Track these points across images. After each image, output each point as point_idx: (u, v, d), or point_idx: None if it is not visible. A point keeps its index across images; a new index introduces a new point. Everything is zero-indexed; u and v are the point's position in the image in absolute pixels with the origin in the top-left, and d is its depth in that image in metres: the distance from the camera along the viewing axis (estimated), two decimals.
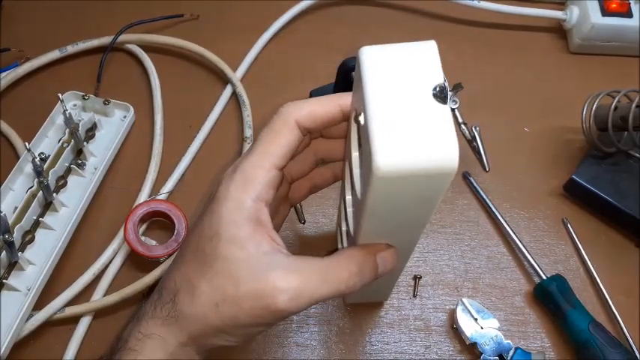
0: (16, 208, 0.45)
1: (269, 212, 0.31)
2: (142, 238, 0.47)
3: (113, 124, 0.52)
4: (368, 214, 0.28)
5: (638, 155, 0.50)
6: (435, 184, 0.25)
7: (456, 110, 0.49)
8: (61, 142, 0.48)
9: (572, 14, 0.59)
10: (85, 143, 0.49)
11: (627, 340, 0.45)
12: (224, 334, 0.30)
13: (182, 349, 0.31)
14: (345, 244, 0.40)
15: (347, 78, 0.49)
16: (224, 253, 0.29)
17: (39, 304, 0.44)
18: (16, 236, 0.43)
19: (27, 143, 0.45)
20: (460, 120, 0.51)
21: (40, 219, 0.45)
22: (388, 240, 0.32)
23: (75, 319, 0.44)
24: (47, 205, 0.46)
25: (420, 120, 0.24)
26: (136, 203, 0.48)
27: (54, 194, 0.46)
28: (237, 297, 0.29)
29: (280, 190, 0.35)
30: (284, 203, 0.38)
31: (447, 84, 0.51)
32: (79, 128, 0.48)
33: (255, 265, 0.29)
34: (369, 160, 0.24)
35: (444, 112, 0.25)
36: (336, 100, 0.31)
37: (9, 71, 0.54)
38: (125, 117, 0.52)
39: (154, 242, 0.47)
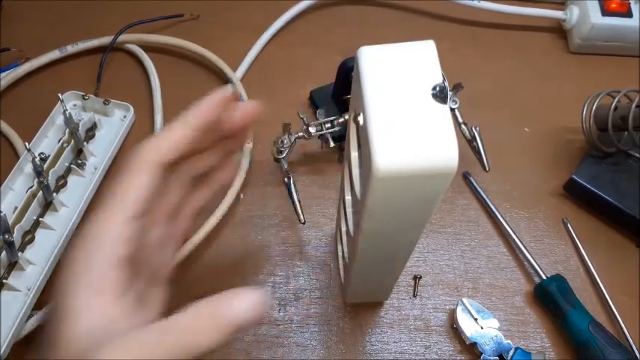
0: (16, 208, 0.45)
1: (123, 271, 0.26)
2: None
3: (113, 124, 0.52)
4: (368, 214, 0.28)
5: (638, 155, 0.50)
6: (434, 184, 0.25)
7: (456, 110, 0.50)
8: (61, 142, 0.48)
9: (572, 14, 0.59)
10: (85, 143, 0.49)
11: (627, 340, 0.45)
12: None
13: None
14: (345, 245, 0.40)
15: (347, 78, 0.49)
16: (60, 333, 0.25)
17: (39, 304, 0.44)
18: (16, 236, 0.43)
19: (27, 143, 0.45)
20: (460, 120, 0.51)
21: (40, 219, 0.45)
22: (388, 241, 0.32)
23: None
24: (47, 205, 0.46)
25: (420, 120, 0.24)
26: None
27: (54, 194, 0.46)
28: None
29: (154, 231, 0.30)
30: (168, 242, 0.33)
31: (446, 84, 0.51)
32: (79, 128, 0.48)
33: (78, 345, 0.24)
34: (369, 161, 0.24)
35: (443, 112, 0.25)
36: (186, 120, 0.29)
37: (9, 71, 0.54)
38: (125, 117, 0.52)
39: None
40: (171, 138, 0.28)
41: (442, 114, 0.25)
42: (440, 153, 0.24)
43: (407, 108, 0.25)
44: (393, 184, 0.25)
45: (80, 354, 0.24)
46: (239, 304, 0.25)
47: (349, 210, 0.34)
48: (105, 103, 0.51)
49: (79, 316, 0.25)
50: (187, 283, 0.42)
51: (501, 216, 0.50)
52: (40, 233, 0.45)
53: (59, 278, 0.26)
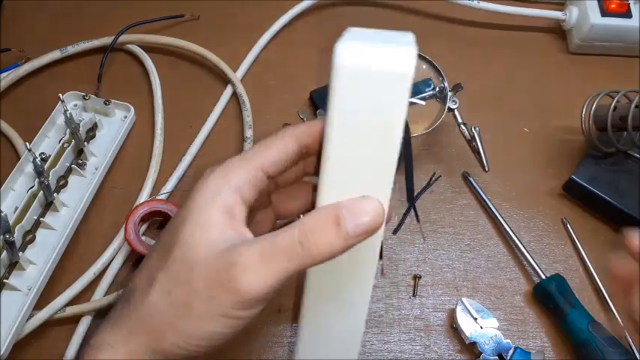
0: (16, 208, 0.45)
1: (246, 212, 0.28)
2: (143, 237, 0.47)
3: (114, 125, 0.52)
4: (331, 134, 0.26)
5: (637, 155, 0.50)
6: (391, 87, 0.25)
7: (455, 110, 0.50)
8: (61, 142, 0.48)
9: (571, 14, 0.59)
10: (85, 143, 0.49)
11: (626, 339, 0.45)
12: (179, 333, 0.26)
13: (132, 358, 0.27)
14: None
15: None
16: (184, 239, 0.27)
17: (40, 304, 0.44)
18: (17, 236, 0.43)
19: (28, 143, 0.45)
20: (460, 120, 0.51)
21: (41, 219, 0.45)
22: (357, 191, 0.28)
23: (76, 319, 0.44)
24: (48, 205, 0.46)
25: (384, 38, 0.25)
26: (137, 203, 0.48)
27: (55, 194, 0.46)
28: (191, 279, 0.26)
29: (265, 200, 0.32)
30: (267, 216, 0.34)
31: (446, 84, 0.51)
32: (80, 128, 0.48)
33: (215, 248, 0.26)
34: (332, 59, 0.24)
35: (407, 37, 0.25)
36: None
37: (10, 71, 0.54)
38: (126, 117, 0.52)
39: (154, 242, 0.47)
40: (313, 125, 0.30)
41: (407, 37, 0.25)
42: (398, 53, 0.24)
43: (374, 36, 0.25)
44: (353, 80, 0.24)
45: (216, 255, 0.26)
46: (360, 207, 0.26)
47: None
48: (105, 104, 0.51)
49: (213, 225, 0.27)
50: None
51: (501, 216, 0.50)
52: (40, 233, 0.45)
53: (191, 193, 0.28)
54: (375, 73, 0.24)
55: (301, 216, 0.30)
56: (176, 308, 0.26)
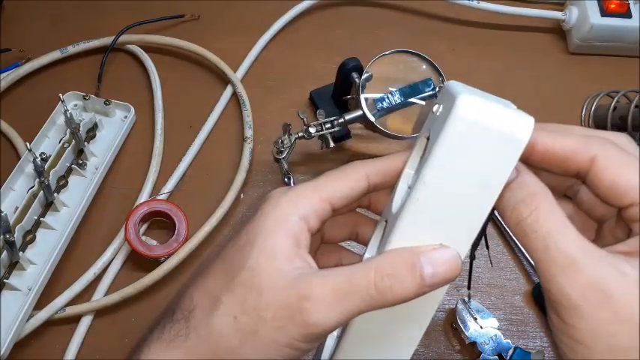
0: (17, 208, 0.45)
1: (310, 242, 0.28)
2: (143, 237, 0.47)
3: (114, 125, 0.52)
4: (427, 177, 0.25)
5: None
6: (504, 148, 0.24)
7: None
8: (61, 142, 0.48)
9: (571, 15, 0.60)
10: (85, 143, 0.49)
11: None
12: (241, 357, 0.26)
13: None
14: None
15: (347, 79, 0.49)
16: (251, 264, 0.27)
17: (40, 304, 0.44)
18: (17, 236, 0.43)
19: (28, 143, 0.45)
20: None
21: (41, 219, 0.45)
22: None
23: (76, 319, 0.45)
24: (48, 205, 0.46)
25: (496, 100, 0.26)
26: (137, 203, 0.48)
27: (55, 194, 0.46)
28: (259, 307, 0.26)
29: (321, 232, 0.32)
30: (314, 240, 0.33)
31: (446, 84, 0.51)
32: (80, 128, 0.48)
33: (284, 277, 0.26)
34: (450, 107, 0.24)
35: (513, 105, 0.26)
36: (404, 157, 0.30)
37: (10, 71, 0.54)
38: (126, 117, 0.52)
39: (154, 242, 0.47)
40: (384, 164, 0.29)
41: (515, 107, 0.26)
42: (517, 116, 0.25)
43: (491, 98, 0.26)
44: (466, 131, 0.24)
45: (286, 285, 0.26)
46: (438, 256, 0.25)
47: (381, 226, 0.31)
48: (106, 104, 0.51)
49: (281, 253, 0.26)
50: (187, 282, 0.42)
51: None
52: (40, 233, 0.45)
53: (258, 214, 0.28)
54: (494, 132, 0.24)
55: (365, 252, 0.31)
56: (242, 335, 0.26)
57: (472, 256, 0.30)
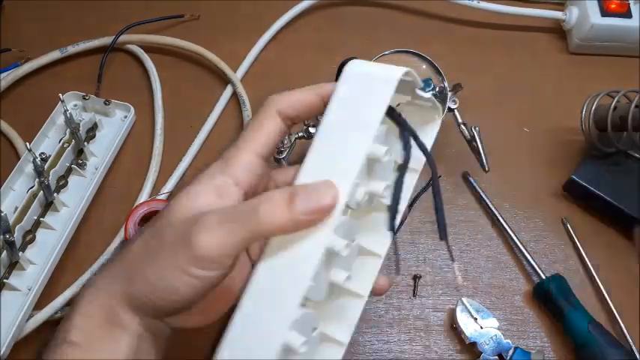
0: (16, 208, 0.45)
1: (240, 195, 0.30)
2: None
3: (114, 125, 0.52)
4: (321, 126, 0.30)
5: (637, 155, 0.50)
6: (378, 89, 0.29)
7: (455, 110, 0.50)
8: (61, 142, 0.48)
9: (571, 14, 0.59)
10: (85, 143, 0.49)
11: (626, 339, 0.45)
12: (145, 280, 0.29)
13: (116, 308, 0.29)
14: None
15: None
16: (173, 203, 0.30)
17: (40, 304, 0.44)
18: (17, 236, 0.43)
19: (28, 143, 0.45)
20: (459, 120, 0.51)
21: (41, 219, 0.45)
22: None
23: None
24: (48, 205, 0.46)
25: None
26: (137, 203, 0.48)
27: (54, 194, 0.46)
28: (164, 233, 0.29)
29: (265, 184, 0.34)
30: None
31: (446, 84, 0.51)
32: (80, 128, 0.48)
33: (191, 211, 0.29)
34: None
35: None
36: (317, 89, 0.32)
37: (10, 71, 0.54)
38: (126, 117, 0.52)
39: None
40: (294, 97, 0.32)
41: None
42: (389, 67, 0.29)
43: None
44: (354, 80, 0.30)
45: (189, 216, 0.29)
46: (312, 188, 0.28)
47: None
48: (105, 104, 0.51)
49: (200, 197, 0.30)
50: None
51: (501, 216, 0.50)
52: (40, 233, 0.45)
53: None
54: (371, 77, 0.29)
55: None
56: (147, 256, 0.29)
57: (392, 228, 0.30)
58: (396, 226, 0.30)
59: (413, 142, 0.30)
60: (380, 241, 0.33)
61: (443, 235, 0.31)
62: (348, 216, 0.32)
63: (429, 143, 0.33)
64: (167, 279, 0.28)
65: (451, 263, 0.41)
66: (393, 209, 0.30)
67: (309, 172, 0.29)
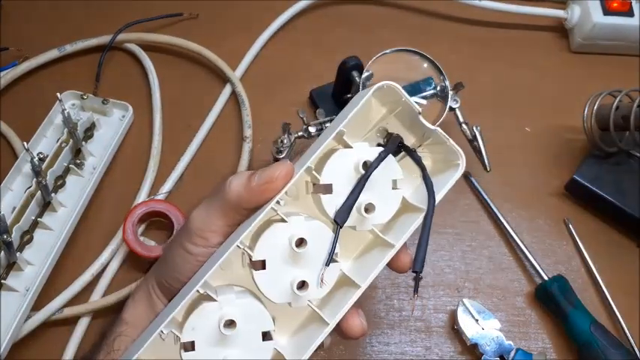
0: (14, 208, 0.44)
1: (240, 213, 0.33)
2: (141, 238, 0.46)
3: (112, 124, 0.52)
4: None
5: (639, 155, 0.50)
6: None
7: (457, 110, 0.49)
8: (59, 141, 0.48)
9: (573, 13, 0.59)
10: (83, 143, 0.48)
11: (629, 340, 0.45)
12: (167, 265, 0.35)
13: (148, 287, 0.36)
14: None
15: (347, 77, 0.48)
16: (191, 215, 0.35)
17: (37, 305, 0.43)
18: (15, 236, 0.43)
19: (25, 143, 0.45)
20: (461, 119, 0.51)
21: (39, 219, 0.45)
22: None
23: (73, 320, 0.44)
24: (46, 206, 0.46)
25: None
26: (135, 203, 0.48)
27: (52, 194, 0.46)
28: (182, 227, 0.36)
29: None
30: None
31: (447, 83, 0.51)
32: (78, 128, 0.48)
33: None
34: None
35: None
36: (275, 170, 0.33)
37: (7, 70, 0.54)
38: (124, 116, 0.52)
39: (152, 242, 0.47)
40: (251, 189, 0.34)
41: None
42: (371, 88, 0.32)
43: None
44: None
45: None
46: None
47: None
48: (104, 103, 0.51)
49: (197, 220, 0.34)
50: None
51: (502, 216, 0.49)
52: (38, 233, 0.45)
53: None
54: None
55: None
56: (169, 248, 0.36)
57: (337, 224, 0.31)
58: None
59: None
60: (363, 274, 0.32)
61: (419, 266, 0.32)
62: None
63: (443, 191, 0.32)
64: (174, 258, 0.34)
65: (414, 296, 0.38)
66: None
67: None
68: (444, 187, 0.32)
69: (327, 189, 0.31)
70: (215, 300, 0.30)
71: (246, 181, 0.32)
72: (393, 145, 0.31)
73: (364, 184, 0.30)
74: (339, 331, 0.32)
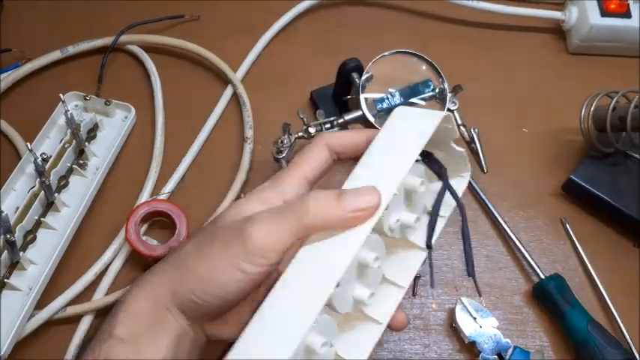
0: (17, 208, 0.45)
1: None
2: (144, 237, 0.47)
3: (114, 125, 0.52)
4: (369, 151, 0.34)
5: (636, 156, 0.50)
6: (423, 126, 0.32)
7: (455, 111, 0.50)
8: (62, 142, 0.48)
9: (571, 15, 0.60)
10: (86, 144, 0.49)
11: (625, 339, 0.45)
12: (195, 277, 0.31)
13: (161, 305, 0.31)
14: None
15: (347, 79, 0.49)
16: (223, 212, 0.33)
17: (40, 304, 0.44)
18: (18, 236, 0.43)
19: (29, 144, 0.45)
20: (459, 121, 0.51)
21: (42, 219, 0.45)
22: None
23: (76, 319, 0.45)
24: (49, 205, 0.46)
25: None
26: (137, 203, 0.49)
27: (55, 194, 0.46)
28: (215, 232, 0.32)
29: None
30: None
31: (446, 85, 0.51)
32: (81, 129, 0.48)
33: (241, 213, 0.32)
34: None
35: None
36: (366, 132, 0.35)
37: (10, 72, 0.54)
38: (126, 117, 0.52)
39: (155, 242, 0.47)
40: (346, 136, 0.36)
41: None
42: (433, 111, 0.35)
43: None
44: (397, 117, 0.35)
45: (241, 218, 0.31)
46: (362, 190, 0.31)
47: None
48: (106, 104, 0.51)
49: (243, 208, 0.33)
50: None
51: (500, 216, 0.50)
52: (41, 233, 0.45)
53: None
54: (416, 117, 0.34)
55: None
56: (199, 254, 0.31)
57: (429, 246, 0.35)
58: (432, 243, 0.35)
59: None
60: (403, 275, 0.35)
61: (471, 271, 0.36)
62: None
63: (459, 192, 0.37)
64: (216, 273, 0.30)
65: (479, 297, 0.45)
66: (432, 221, 0.35)
67: (355, 182, 0.32)
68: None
69: None
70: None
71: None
72: (447, 179, 0.36)
73: (439, 210, 0.35)
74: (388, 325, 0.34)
